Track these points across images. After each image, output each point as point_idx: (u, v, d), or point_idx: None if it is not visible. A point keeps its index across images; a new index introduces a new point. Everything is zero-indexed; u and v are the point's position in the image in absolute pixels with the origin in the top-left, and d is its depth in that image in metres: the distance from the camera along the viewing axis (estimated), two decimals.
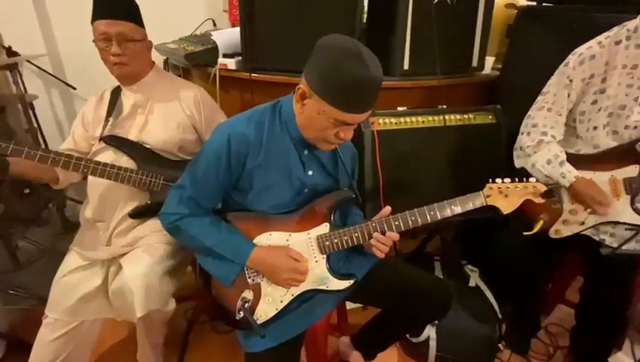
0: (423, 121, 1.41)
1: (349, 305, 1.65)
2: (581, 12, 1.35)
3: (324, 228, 0.98)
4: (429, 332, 1.38)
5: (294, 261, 0.93)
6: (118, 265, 1.18)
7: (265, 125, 0.91)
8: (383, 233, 0.95)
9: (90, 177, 1.21)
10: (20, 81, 2.00)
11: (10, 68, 1.82)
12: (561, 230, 1.23)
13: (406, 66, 1.52)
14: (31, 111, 2.16)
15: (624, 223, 1.13)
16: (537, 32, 1.49)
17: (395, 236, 0.95)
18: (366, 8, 1.59)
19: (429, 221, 0.96)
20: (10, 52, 2.06)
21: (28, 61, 2.20)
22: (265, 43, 1.43)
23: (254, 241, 0.94)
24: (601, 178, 1.14)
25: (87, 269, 1.21)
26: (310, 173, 0.97)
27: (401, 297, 1.08)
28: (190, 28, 2.00)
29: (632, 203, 1.11)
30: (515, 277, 1.44)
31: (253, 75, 1.47)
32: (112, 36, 1.11)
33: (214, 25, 2.18)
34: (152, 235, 1.21)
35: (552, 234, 1.24)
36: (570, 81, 1.14)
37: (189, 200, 0.93)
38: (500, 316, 1.44)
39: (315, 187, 0.99)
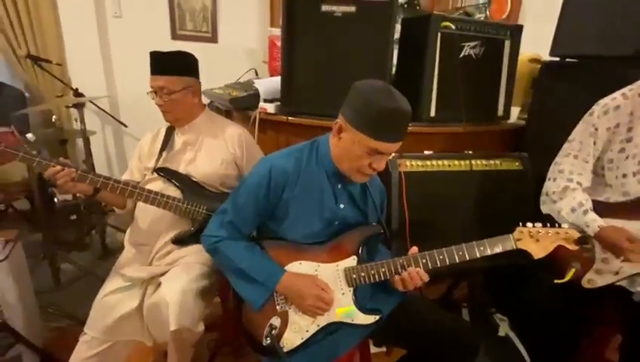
0: (449, 165, 1.47)
1: (373, 349, 1.62)
2: (604, 66, 1.42)
3: (352, 260, 1.02)
4: None
5: (321, 289, 0.97)
6: (156, 285, 1.25)
7: (303, 160, 1.01)
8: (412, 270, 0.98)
9: (139, 203, 1.33)
10: (82, 118, 2.26)
11: (77, 107, 2.06)
12: (595, 280, 1.20)
13: (433, 113, 1.61)
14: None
15: None
16: (561, 84, 1.56)
17: (424, 275, 0.98)
18: (396, 60, 1.73)
19: (457, 261, 0.98)
20: (77, 93, 2.36)
21: (91, 102, 2.49)
22: (302, 90, 1.56)
23: (285, 268, 1.00)
24: (631, 227, 1.13)
25: (127, 291, 1.28)
26: (342, 205, 1.03)
27: (426, 338, 1.07)
28: (235, 77, 2.22)
29: None
30: (547, 329, 1.38)
31: (289, 118, 1.60)
32: (155, 89, 1.29)
33: (256, 74, 2.40)
34: (190, 256, 1.29)
35: (584, 283, 1.21)
36: (596, 129, 1.17)
37: (229, 224, 1.01)
38: None
39: (346, 220, 1.04)
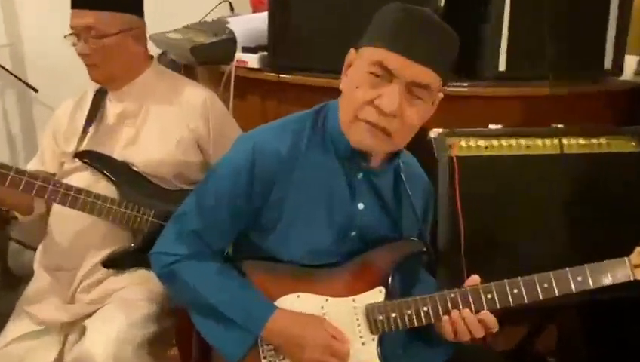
0: (528, 146, 1.44)
1: None
2: None
3: (377, 294, 1.01)
4: None
5: (331, 337, 0.96)
6: (80, 330, 1.27)
7: (303, 136, 0.99)
8: (469, 311, 0.96)
9: (54, 207, 1.35)
10: None
11: None
12: None
13: (502, 67, 1.59)
14: None
15: None
16: None
17: (490, 320, 0.96)
18: None
19: (541, 298, 0.96)
20: None
21: None
22: (301, 33, 1.55)
23: (276, 303, 0.99)
24: None
25: (39, 338, 1.31)
26: (361, 206, 1.02)
27: None
28: (200, 13, 2.20)
29: None
30: None
31: (282, 75, 1.59)
32: (79, 30, 1.29)
33: (231, 10, 2.38)
34: (131, 288, 1.31)
35: None
36: None
37: (192, 235, 1.01)
38: None
39: (367, 230, 1.04)
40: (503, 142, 1.44)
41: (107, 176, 1.32)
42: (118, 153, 1.35)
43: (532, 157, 1.45)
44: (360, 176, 1.01)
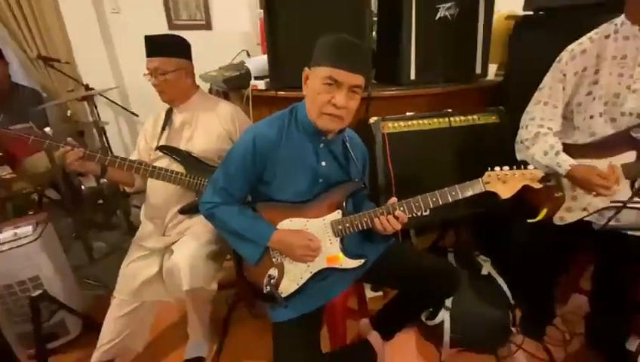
0: (429, 123, 1.45)
1: (371, 294, 1.68)
2: (578, 15, 1.35)
3: (337, 214, 1.03)
4: (443, 315, 1.38)
5: (308, 240, 0.99)
6: (171, 253, 1.29)
7: (284, 125, 1.00)
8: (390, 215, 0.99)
9: (149, 181, 1.36)
10: (95, 110, 2.27)
11: (87, 100, 2.07)
12: (565, 217, 1.20)
13: (412, 76, 1.57)
14: (104, 135, 2.43)
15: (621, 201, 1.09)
16: (535, 37, 1.50)
17: (401, 215, 0.98)
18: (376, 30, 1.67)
19: (431, 206, 0.98)
20: (87, 88, 2.36)
21: (100, 94, 2.49)
22: (287, 64, 1.52)
23: (277, 226, 1.01)
24: (599, 165, 1.11)
25: (147, 258, 1.34)
26: (324, 163, 1.03)
27: (413, 277, 1.11)
28: (228, 58, 2.17)
29: (632, 186, 1.08)
30: (527, 267, 1.41)
31: (278, 92, 1.57)
32: (151, 71, 1.28)
33: (248, 55, 2.35)
34: (198, 225, 1.33)
35: (556, 221, 1.21)
36: (564, 75, 1.13)
37: (222, 190, 1.02)
38: (512, 302, 1.41)
39: (329, 177, 1.04)
40: (414, 122, 1.44)
41: (177, 159, 1.32)
42: (182, 146, 1.35)
43: (432, 131, 1.46)
44: (321, 145, 1.02)
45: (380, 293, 1.68)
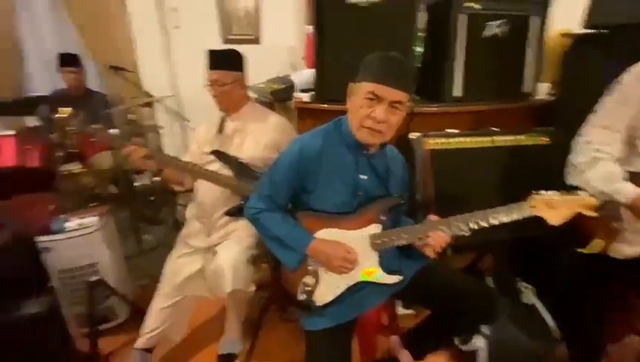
0: (473, 142, 1.40)
1: (402, 311, 1.63)
2: (635, 36, 1.25)
3: (376, 228, 1.03)
4: (480, 342, 1.30)
5: (345, 252, 0.99)
6: (213, 253, 1.35)
7: (328, 137, 1.02)
8: (430, 233, 0.96)
9: (198, 182, 1.43)
10: (153, 115, 2.46)
11: (148, 106, 2.25)
12: (624, 250, 1.09)
13: (459, 93, 1.53)
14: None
15: None
16: (592, 56, 1.41)
17: (444, 236, 0.95)
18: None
19: (473, 227, 0.95)
20: (148, 95, 2.56)
21: (158, 101, 2.69)
22: (333, 78, 1.55)
23: (315, 235, 1.02)
24: None
25: (191, 256, 1.41)
26: (364, 176, 1.03)
27: (448, 297, 1.07)
28: (276, 73, 2.25)
29: None
30: (574, 299, 1.29)
31: (323, 105, 1.60)
32: (211, 82, 1.36)
33: (294, 69, 2.42)
34: (241, 230, 1.37)
35: (612, 253, 1.11)
36: (628, 97, 1.05)
37: (267, 197, 1.05)
38: (556, 335, 1.30)
39: (368, 191, 1.04)
40: (457, 140, 1.40)
41: (226, 164, 1.38)
42: (232, 151, 1.40)
43: (476, 149, 1.40)
44: (362, 159, 1.02)
45: (412, 311, 1.63)
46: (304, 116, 1.74)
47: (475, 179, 1.41)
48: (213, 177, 1.35)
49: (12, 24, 2.44)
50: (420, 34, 1.59)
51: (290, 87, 1.78)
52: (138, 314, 1.55)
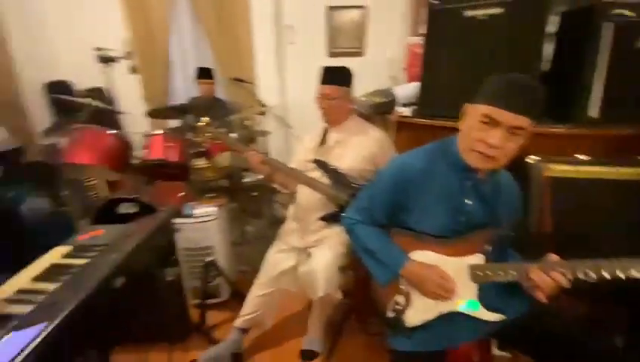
0: (609, 172, 1.17)
1: (497, 352, 1.46)
2: None
3: (478, 258, 0.95)
4: None
5: (442, 278, 0.94)
6: (306, 254, 1.44)
7: (433, 157, 0.98)
8: (545, 275, 0.84)
9: (300, 186, 1.54)
10: (263, 122, 2.74)
11: (261, 114, 2.53)
12: None
13: (594, 113, 1.30)
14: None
15: None
16: None
17: (562, 280, 0.82)
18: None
19: (607, 277, 0.79)
20: (262, 104, 2.88)
21: (270, 111, 3.00)
22: (442, 93, 1.49)
23: (410, 255, 1.00)
24: None
25: (287, 253, 1.53)
26: (469, 202, 0.97)
27: (559, 351, 0.92)
28: (377, 84, 2.27)
29: None
30: None
31: (424, 120, 1.54)
32: (323, 96, 1.45)
33: (395, 82, 2.40)
34: (335, 237, 1.43)
35: None
36: None
37: (364, 210, 1.07)
38: None
39: (472, 217, 0.97)
40: (588, 168, 1.18)
41: (326, 173, 1.45)
42: (332, 161, 1.46)
43: (615, 181, 1.15)
44: (469, 183, 0.96)
45: (509, 355, 1.44)
46: (403, 130, 1.71)
47: (609, 218, 1.17)
48: (313, 184, 1.44)
49: (167, 44, 3.03)
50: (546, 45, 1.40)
51: (391, 101, 1.78)
52: (238, 295, 1.77)
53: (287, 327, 1.74)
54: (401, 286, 1.02)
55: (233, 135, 2.18)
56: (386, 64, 3.04)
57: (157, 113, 2.60)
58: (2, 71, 2.64)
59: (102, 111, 2.27)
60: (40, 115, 2.89)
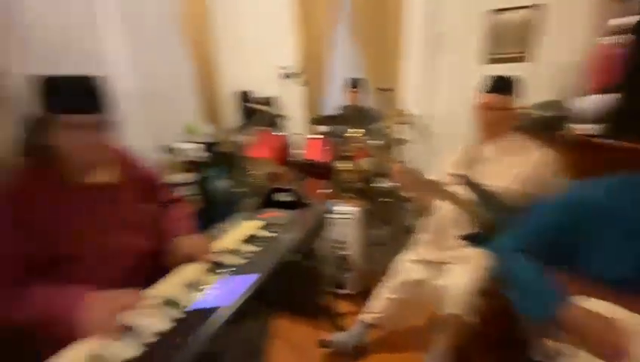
0: None
1: None
2: None
3: None
4: None
5: (616, 336, 0.77)
6: (439, 269, 1.41)
7: (621, 192, 0.83)
8: None
9: (438, 202, 1.51)
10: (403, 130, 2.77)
11: (407, 123, 2.57)
12: None
13: None
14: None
15: None
16: None
17: None
18: None
19: None
20: (404, 114, 2.91)
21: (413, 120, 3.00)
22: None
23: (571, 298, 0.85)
24: None
25: (417, 264, 1.53)
26: None
27: None
28: (543, 95, 1.98)
29: None
30: None
31: (617, 141, 1.29)
32: (487, 105, 1.36)
33: (568, 92, 2.01)
34: (475, 259, 1.35)
35: None
36: None
37: (520, 238, 0.97)
38: None
39: None
40: None
41: (472, 189, 1.36)
42: (480, 177, 1.36)
43: None
44: None
45: None
46: (586, 151, 1.43)
47: None
48: (454, 199, 1.38)
49: (331, 62, 3.42)
50: None
51: (563, 117, 1.51)
52: (364, 292, 1.87)
53: (408, 338, 1.74)
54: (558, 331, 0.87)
55: (375, 142, 2.30)
56: (559, 70, 2.56)
57: (319, 121, 2.99)
58: (212, 84, 3.62)
59: (274, 116, 2.81)
60: (232, 117, 3.77)
